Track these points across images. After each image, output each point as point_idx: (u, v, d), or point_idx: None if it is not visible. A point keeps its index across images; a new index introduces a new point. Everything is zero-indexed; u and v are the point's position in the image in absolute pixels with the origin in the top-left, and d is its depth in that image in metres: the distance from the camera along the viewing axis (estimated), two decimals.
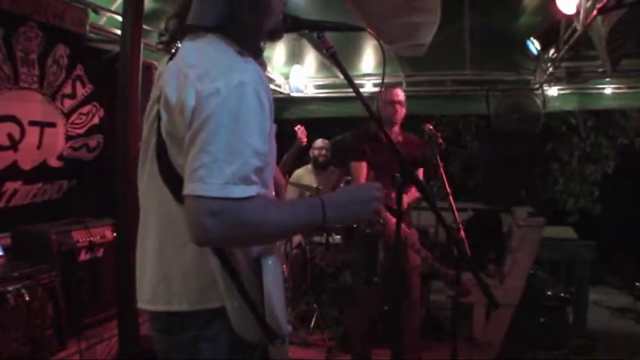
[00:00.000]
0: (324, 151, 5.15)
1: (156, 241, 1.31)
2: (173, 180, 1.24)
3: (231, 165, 1.10)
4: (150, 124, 1.33)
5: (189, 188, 1.11)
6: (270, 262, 1.23)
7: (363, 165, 3.52)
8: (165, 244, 1.29)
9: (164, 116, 1.23)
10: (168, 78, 1.23)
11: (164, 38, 1.37)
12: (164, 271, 1.29)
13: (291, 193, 5.14)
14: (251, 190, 1.13)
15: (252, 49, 1.30)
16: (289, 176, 4.94)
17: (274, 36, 1.42)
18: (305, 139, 4.14)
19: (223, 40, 1.25)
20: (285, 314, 1.30)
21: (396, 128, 3.61)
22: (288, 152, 4.07)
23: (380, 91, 3.73)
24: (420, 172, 3.70)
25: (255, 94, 1.15)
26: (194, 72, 1.17)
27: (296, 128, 4.12)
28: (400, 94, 3.60)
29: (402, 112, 3.58)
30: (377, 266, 3.18)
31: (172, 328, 1.29)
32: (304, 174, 5.20)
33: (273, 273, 1.24)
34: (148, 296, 1.33)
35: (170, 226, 1.28)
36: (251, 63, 1.23)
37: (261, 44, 1.39)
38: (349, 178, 3.64)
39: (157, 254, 1.31)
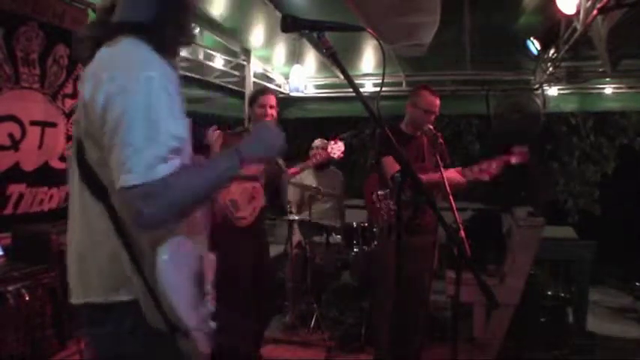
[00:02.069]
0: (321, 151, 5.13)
1: (77, 239, 1.40)
2: (90, 178, 1.34)
3: (150, 149, 1.20)
4: (74, 127, 1.43)
5: (119, 181, 1.20)
6: (165, 258, 1.29)
7: (393, 159, 3.50)
8: (83, 241, 1.38)
9: (81, 117, 1.33)
10: (85, 81, 1.32)
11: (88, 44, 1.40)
12: (82, 268, 1.38)
13: (291, 193, 5.14)
14: (172, 166, 1.22)
15: (167, 50, 1.36)
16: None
17: (187, 42, 1.51)
18: (338, 155, 3.93)
19: (138, 41, 1.31)
20: (191, 307, 1.35)
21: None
22: (308, 162, 3.96)
23: (416, 90, 3.67)
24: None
25: (163, 87, 1.25)
26: (106, 73, 1.26)
27: (332, 140, 3.97)
28: (437, 103, 3.57)
29: (434, 119, 3.54)
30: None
31: (94, 322, 1.38)
32: (305, 174, 5.19)
33: (172, 268, 1.30)
34: (72, 292, 1.42)
35: (87, 224, 1.37)
36: (161, 61, 1.30)
37: (177, 48, 1.46)
38: (382, 192, 3.54)
39: (76, 251, 1.40)
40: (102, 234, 1.33)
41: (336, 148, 3.93)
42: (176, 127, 1.26)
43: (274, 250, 5.66)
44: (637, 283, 6.06)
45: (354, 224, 4.64)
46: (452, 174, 3.32)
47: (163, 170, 1.20)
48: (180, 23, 1.41)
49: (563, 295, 4.69)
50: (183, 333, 1.32)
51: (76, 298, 1.40)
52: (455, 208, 2.66)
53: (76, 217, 1.41)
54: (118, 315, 1.35)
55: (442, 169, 3.02)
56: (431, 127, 3.32)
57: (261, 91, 3.77)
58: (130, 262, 1.31)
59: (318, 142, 5.21)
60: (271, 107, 3.60)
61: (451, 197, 2.78)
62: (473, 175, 3.42)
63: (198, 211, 1.50)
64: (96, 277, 1.36)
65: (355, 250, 4.55)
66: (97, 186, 1.33)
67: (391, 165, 3.44)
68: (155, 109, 1.22)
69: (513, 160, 3.42)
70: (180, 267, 1.34)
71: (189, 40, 1.51)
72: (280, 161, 3.73)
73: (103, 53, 1.33)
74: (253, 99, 3.63)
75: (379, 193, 3.46)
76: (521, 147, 3.50)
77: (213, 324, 1.50)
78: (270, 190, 3.64)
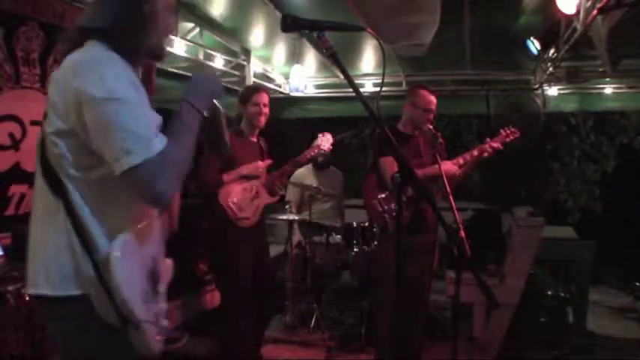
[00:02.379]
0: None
1: (36, 232, 1.47)
2: (49, 175, 1.41)
3: (142, 129, 1.30)
4: (41, 129, 1.49)
5: (121, 165, 1.28)
6: (117, 254, 1.35)
7: (392, 160, 3.50)
8: (42, 235, 1.44)
9: (50, 116, 1.40)
10: (53, 83, 1.42)
11: (65, 47, 1.48)
12: (39, 260, 1.44)
13: (291, 192, 5.14)
14: (163, 141, 1.33)
15: (129, 55, 1.44)
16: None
17: (156, 55, 1.57)
18: (327, 148, 3.78)
19: (102, 44, 1.41)
20: (143, 302, 1.41)
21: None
22: (300, 157, 3.81)
23: (414, 90, 3.67)
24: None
25: (131, 82, 1.36)
26: (71, 72, 1.36)
27: (320, 134, 3.86)
28: (435, 101, 3.58)
29: (432, 118, 3.56)
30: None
31: (50, 315, 1.46)
32: (305, 173, 5.19)
33: (124, 264, 1.36)
34: (28, 282, 1.48)
35: (45, 219, 1.44)
36: (122, 63, 1.39)
37: (139, 54, 1.51)
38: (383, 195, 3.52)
39: (34, 245, 1.47)
40: (59, 229, 1.39)
41: (325, 140, 3.80)
42: (151, 113, 1.37)
43: (274, 250, 5.66)
44: (637, 283, 6.06)
45: (354, 224, 4.64)
46: (447, 165, 3.33)
47: (158, 145, 1.30)
48: (140, 35, 1.46)
49: (563, 294, 4.69)
50: (134, 326, 1.37)
51: (29, 289, 1.46)
52: (455, 208, 2.66)
53: (38, 213, 1.47)
54: (69, 309, 1.40)
55: (441, 169, 3.02)
56: (430, 126, 3.32)
57: (253, 89, 3.71)
58: (84, 257, 1.37)
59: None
60: (265, 105, 3.56)
61: (451, 197, 2.78)
62: (467, 159, 3.45)
63: (156, 215, 1.59)
64: (50, 270, 1.41)
65: (355, 250, 4.55)
66: (55, 181, 1.40)
67: (390, 165, 3.45)
68: (131, 98, 1.32)
69: (495, 144, 3.48)
70: (132, 263, 1.41)
71: (157, 55, 1.57)
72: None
73: (69, 57, 1.42)
74: (246, 97, 3.57)
75: (381, 196, 3.45)
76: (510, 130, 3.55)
77: (165, 322, 1.58)
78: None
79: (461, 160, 3.43)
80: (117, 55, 1.39)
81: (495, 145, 3.47)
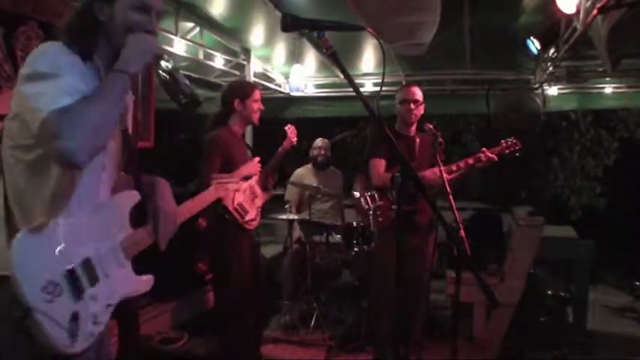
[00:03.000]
0: (323, 151, 5.14)
1: None
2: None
3: (53, 88, 1.34)
4: None
5: (34, 124, 1.33)
6: (19, 236, 1.36)
7: (382, 162, 3.50)
8: None
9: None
10: None
11: None
12: None
13: (292, 192, 5.14)
14: (70, 99, 1.34)
15: (81, 49, 1.49)
16: (280, 177, 4.80)
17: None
18: (295, 139, 4.02)
19: (59, 43, 1.47)
20: (43, 292, 1.36)
21: (413, 126, 3.60)
22: (277, 152, 3.94)
23: (398, 89, 3.69)
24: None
25: (65, 62, 1.42)
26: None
27: (286, 127, 4.02)
28: (417, 93, 3.55)
29: (418, 111, 3.54)
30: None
31: None
32: (305, 173, 5.20)
33: (25, 247, 1.36)
34: None
35: None
36: (68, 52, 1.45)
37: (91, 49, 1.53)
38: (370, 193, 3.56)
39: None
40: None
41: (290, 131, 3.96)
42: (73, 80, 1.39)
43: (274, 250, 5.67)
44: (637, 283, 6.06)
45: (354, 223, 4.64)
46: (428, 173, 3.36)
47: (65, 101, 1.32)
48: (94, 41, 1.52)
49: (563, 294, 4.69)
50: (23, 311, 1.33)
51: None
52: (455, 208, 2.66)
53: None
54: (3, 289, 1.40)
55: (441, 169, 3.02)
56: (431, 126, 3.32)
57: (252, 85, 3.70)
58: (6, 237, 1.41)
59: (319, 141, 5.20)
60: (260, 103, 3.56)
61: (451, 197, 2.78)
62: (461, 167, 3.44)
63: (109, 215, 1.58)
64: None
65: (355, 249, 4.55)
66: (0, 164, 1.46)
67: (377, 168, 3.46)
68: (56, 77, 1.37)
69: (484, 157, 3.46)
70: (43, 251, 1.38)
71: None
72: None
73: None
74: (247, 93, 3.46)
75: (367, 194, 3.47)
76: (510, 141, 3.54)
77: (96, 328, 1.49)
78: None
79: (454, 167, 3.43)
80: (64, 46, 1.45)
81: (490, 156, 3.45)
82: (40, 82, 1.36)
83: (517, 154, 3.52)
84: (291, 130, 3.96)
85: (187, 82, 1.69)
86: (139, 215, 1.70)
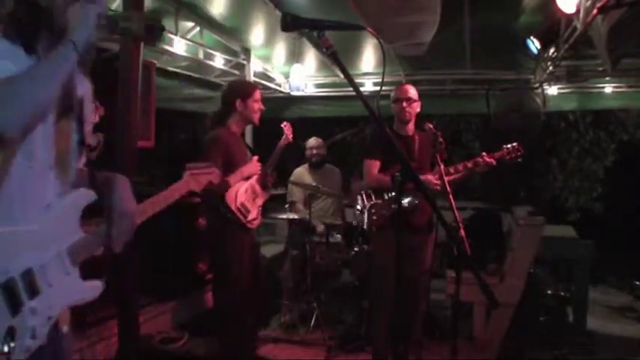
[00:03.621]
0: (316, 150, 5.11)
1: None
2: None
3: None
4: None
5: None
6: None
7: (376, 164, 3.50)
8: None
9: None
10: None
11: None
12: None
13: (295, 192, 5.13)
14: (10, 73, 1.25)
15: (21, 40, 1.37)
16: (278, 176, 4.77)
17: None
18: (291, 136, 4.03)
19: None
20: None
21: (410, 125, 3.59)
22: (274, 151, 3.95)
23: (394, 89, 3.70)
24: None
25: None
26: None
27: (282, 125, 4.03)
28: (410, 91, 3.55)
29: (412, 109, 3.53)
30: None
31: None
32: (303, 173, 5.19)
33: None
34: None
35: None
36: (7, 41, 1.34)
37: (32, 40, 1.41)
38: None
39: None
40: None
41: (287, 129, 3.94)
42: (13, 68, 1.28)
43: (274, 250, 5.67)
44: (637, 282, 6.07)
45: (354, 223, 4.64)
46: (424, 178, 3.33)
47: None
48: (35, 26, 1.40)
49: (563, 294, 4.69)
50: None
51: None
52: (455, 207, 2.66)
53: None
54: None
55: (442, 169, 3.02)
56: (430, 125, 3.32)
57: (253, 85, 3.69)
58: None
59: (312, 141, 5.19)
60: (260, 103, 3.56)
61: (451, 196, 2.78)
62: (459, 170, 3.45)
63: (57, 218, 1.45)
64: None
65: (355, 249, 4.55)
66: None
67: (372, 169, 3.47)
68: None
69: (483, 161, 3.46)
70: None
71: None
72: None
73: None
74: (248, 93, 3.46)
75: (363, 193, 3.49)
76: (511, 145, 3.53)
77: (31, 342, 1.37)
78: None
79: (452, 170, 3.43)
80: (3, 37, 1.35)
81: (489, 161, 3.45)
82: None
83: (519, 160, 3.51)
84: (287, 127, 3.94)
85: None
86: (95, 215, 1.57)
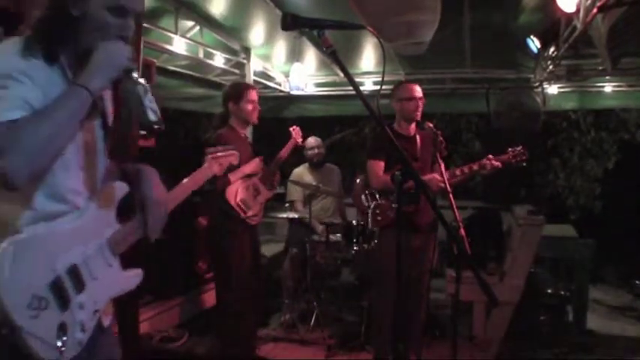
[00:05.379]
0: (316, 150, 5.12)
1: None
2: None
3: None
4: None
5: None
6: (1, 248, 1.26)
7: (380, 165, 3.49)
8: None
9: None
10: None
11: None
12: None
13: (295, 191, 5.13)
14: (18, 113, 1.24)
15: (45, 49, 1.37)
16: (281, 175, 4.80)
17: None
18: (300, 139, 4.13)
19: (20, 40, 1.36)
20: (27, 308, 1.28)
21: (412, 125, 3.58)
22: (281, 151, 4.00)
23: (395, 87, 3.68)
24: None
25: (10, 62, 1.29)
26: None
27: (291, 129, 4.12)
28: (419, 90, 3.54)
29: (421, 108, 3.53)
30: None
31: None
32: (303, 172, 5.19)
33: (8, 263, 1.26)
34: None
35: None
36: (26, 57, 1.32)
37: (59, 51, 1.41)
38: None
39: None
40: None
41: (295, 132, 4.08)
42: (29, 95, 1.28)
43: (274, 248, 5.67)
44: (637, 282, 6.06)
45: (354, 222, 4.64)
46: (428, 177, 3.33)
47: (9, 115, 1.22)
48: (65, 38, 1.40)
49: (563, 293, 4.69)
50: (9, 330, 1.26)
51: None
52: (455, 207, 2.66)
53: None
54: None
55: (443, 169, 3.02)
56: (431, 125, 3.32)
57: (246, 86, 3.71)
58: None
59: (312, 141, 5.18)
60: (257, 102, 3.59)
61: (451, 195, 2.78)
62: (464, 172, 3.44)
63: (95, 213, 1.48)
64: None
65: (355, 248, 4.55)
66: None
67: (377, 170, 3.46)
68: (9, 77, 1.26)
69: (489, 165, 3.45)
70: (23, 265, 1.29)
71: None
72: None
73: None
74: (239, 94, 3.54)
75: (367, 193, 3.49)
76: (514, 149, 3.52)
77: (81, 335, 1.41)
78: None
79: (457, 172, 3.43)
80: (23, 49, 1.33)
81: (496, 164, 3.44)
82: None
83: (524, 164, 3.51)
84: (296, 131, 4.08)
85: (156, 109, 1.49)
86: (126, 207, 1.61)
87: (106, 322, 1.58)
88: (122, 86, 1.48)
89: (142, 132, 1.48)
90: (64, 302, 1.37)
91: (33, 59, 1.33)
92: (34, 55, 1.34)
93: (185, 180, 1.88)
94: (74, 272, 1.40)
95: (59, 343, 1.34)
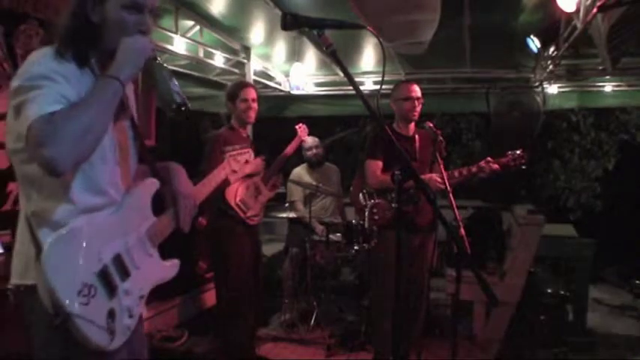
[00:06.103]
0: (314, 150, 5.12)
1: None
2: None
3: (40, 97, 1.32)
4: None
5: (24, 128, 1.31)
6: (50, 240, 1.35)
7: (378, 164, 3.49)
8: (19, 228, 1.51)
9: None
10: None
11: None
12: (14, 253, 1.52)
13: (295, 191, 5.13)
14: (57, 107, 1.32)
15: (75, 55, 1.48)
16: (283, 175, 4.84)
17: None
18: (306, 137, 4.17)
19: (52, 48, 1.47)
20: (79, 295, 1.37)
21: (411, 125, 3.58)
22: (286, 150, 4.03)
23: (393, 87, 3.68)
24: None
25: (51, 71, 1.38)
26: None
27: (297, 126, 4.13)
28: (418, 90, 3.54)
29: (420, 108, 3.53)
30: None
31: (21, 307, 1.50)
32: (302, 172, 5.19)
33: (58, 253, 1.36)
34: None
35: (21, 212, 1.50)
36: (59, 61, 1.43)
37: (89, 54, 1.51)
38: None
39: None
40: (22, 221, 1.48)
41: (302, 130, 4.15)
42: (66, 92, 1.37)
43: (274, 248, 5.67)
44: (637, 281, 6.06)
45: (354, 222, 4.64)
46: (427, 177, 3.32)
47: (50, 108, 1.31)
48: (89, 43, 1.50)
49: (563, 292, 4.68)
50: (63, 318, 1.33)
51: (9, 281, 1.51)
52: (455, 206, 2.66)
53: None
54: (27, 296, 1.43)
55: (443, 169, 3.02)
56: (431, 124, 3.32)
57: (240, 85, 3.69)
58: (31, 245, 1.40)
59: (310, 141, 5.18)
60: (253, 101, 3.56)
61: (451, 195, 2.78)
62: (463, 174, 3.44)
63: (132, 207, 1.60)
64: (17, 261, 1.48)
65: (355, 247, 4.55)
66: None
67: (374, 169, 3.46)
68: (38, 82, 1.35)
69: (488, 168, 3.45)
70: (72, 254, 1.39)
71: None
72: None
73: None
74: (234, 94, 3.55)
75: (365, 192, 3.49)
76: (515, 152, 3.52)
77: (129, 321, 1.53)
78: None
79: (456, 174, 3.42)
80: (56, 54, 1.44)
81: (495, 167, 3.43)
82: (31, 92, 1.34)
83: (523, 167, 3.50)
84: (302, 129, 4.13)
85: (179, 91, 1.62)
86: (157, 202, 1.72)
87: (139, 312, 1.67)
88: (151, 72, 1.58)
89: (171, 113, 1.57)
90: (111, 289, 1.47)
91: (66, 62, 1.44)
92: (66, 59, 1.44)
93: (207, 177, 2.06)
94: (119, 261, 1.52)
95: (110, 329, 1.44)
